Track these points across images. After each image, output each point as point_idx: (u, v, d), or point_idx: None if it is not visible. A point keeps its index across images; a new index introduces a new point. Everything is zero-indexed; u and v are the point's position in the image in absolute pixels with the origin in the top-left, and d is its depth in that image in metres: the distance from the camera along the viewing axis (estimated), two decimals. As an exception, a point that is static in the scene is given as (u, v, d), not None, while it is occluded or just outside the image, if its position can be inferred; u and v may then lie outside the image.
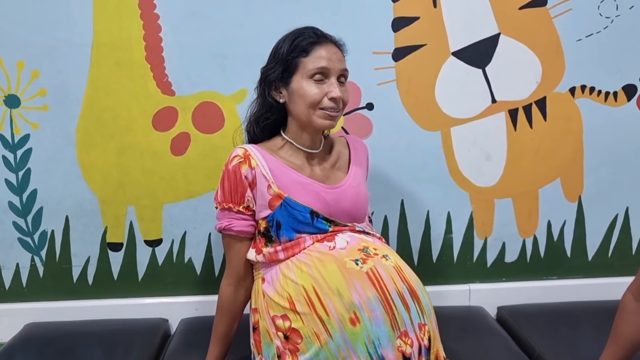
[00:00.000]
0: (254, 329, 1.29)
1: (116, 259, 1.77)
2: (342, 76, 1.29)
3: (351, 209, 1.31)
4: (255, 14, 1.65)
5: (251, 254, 1.30)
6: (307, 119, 1.28)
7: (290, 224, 1.25)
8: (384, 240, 1.36)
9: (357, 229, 1.30)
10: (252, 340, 1.32)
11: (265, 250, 1.27)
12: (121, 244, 1.77)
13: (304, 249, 1.24)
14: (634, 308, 1.23)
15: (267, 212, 1.27)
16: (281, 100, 1.30)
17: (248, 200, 1.28)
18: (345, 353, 1.14)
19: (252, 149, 1.30)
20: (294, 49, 1.26)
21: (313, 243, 1.24)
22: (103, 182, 1.72)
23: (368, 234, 1.32)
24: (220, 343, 1.34)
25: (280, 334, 1.20)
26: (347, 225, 1.29)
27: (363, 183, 1.40)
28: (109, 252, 1.77)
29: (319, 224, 1.26)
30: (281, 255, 1.25)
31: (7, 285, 1.76)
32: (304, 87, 1.25)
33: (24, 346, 1.59)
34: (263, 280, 1.28)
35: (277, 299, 1.22)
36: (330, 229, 1.27)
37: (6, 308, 1.77)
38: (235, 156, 1.28)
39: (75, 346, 1.58)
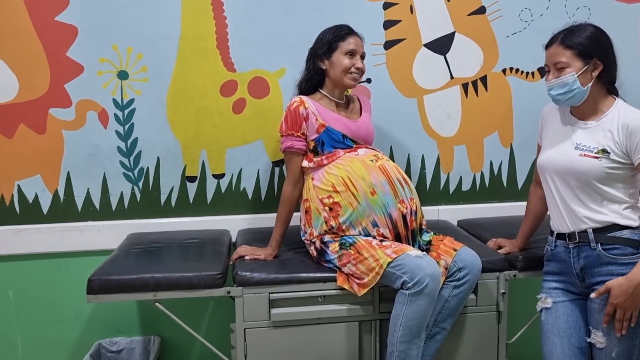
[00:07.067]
0: (306, 212, 1.98)
1: (192, 188, 2.33)
2: (362, 56, 2.01)
3: (365, 135, 2.04)
4: (291, 16, 2.28)
5: (305, 163, 1.99)
6: (340, 80, 1.98)
7: (330, 142, 1.96)
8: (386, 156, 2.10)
9: (369, 147, 2.03)
10: (303, 221, 2.00)
11: (314, 159, 1.97)
12: (195, 177, 2.32)
13: (339, 157, 1.95)
14: (533, 190, 1.97)
15: (315, 135, 1.97)
16: (323, 67, 2.00)
17: (303, 128, 1.97)
18: (368, 212, 1.86)
19: (304, 97, 2.00)
20: (335, 36, 1.97)
21: (344, 154, 1.95)
22: (184, 133, 2.29)
23: (376, 150, 2.06)
24: (283, 225, 2.02)
25: (326, 208, 1.91)
26: (363, 144, 2.01)
27: (371, 122, 2.13)
28: (187, 183, 2.32)
29: (348, 142, 1.98)
30: (325, 162, 1.96)
31: (113, 207, 2.32)
32: (341, 59, 1.96)
33: (128, 249, 2.13)
34: (312, 179, 1.98)
35: (324, 187, 1.92)
36: (354, 146, 1.98)
37: (114, 223, 2.31)
38: (295, 101, 1.99)
39: (163, 248, 2.07)
